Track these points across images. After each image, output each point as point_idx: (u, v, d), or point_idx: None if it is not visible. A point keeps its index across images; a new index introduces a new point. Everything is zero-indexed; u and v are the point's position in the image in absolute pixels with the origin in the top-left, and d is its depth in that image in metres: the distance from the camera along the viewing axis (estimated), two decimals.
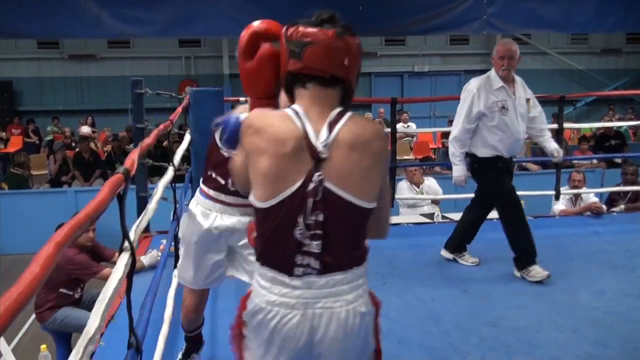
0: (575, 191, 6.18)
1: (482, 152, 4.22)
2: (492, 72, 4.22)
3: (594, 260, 4.60)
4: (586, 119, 15.28)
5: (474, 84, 4.23)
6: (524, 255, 4.21)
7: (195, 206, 2.64)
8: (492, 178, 4.27)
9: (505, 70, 4.14)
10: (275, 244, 1.65)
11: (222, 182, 2.55)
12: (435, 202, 6.48)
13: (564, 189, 6.06)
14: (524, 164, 9.65)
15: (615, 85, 16.55)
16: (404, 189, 6.66)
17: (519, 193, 5.67)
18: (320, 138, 1.62)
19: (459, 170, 4.31)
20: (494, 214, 4.50)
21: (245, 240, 2.55)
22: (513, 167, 4.46)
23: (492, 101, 4.14)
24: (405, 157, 11.20)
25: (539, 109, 4.40)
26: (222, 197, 2.58)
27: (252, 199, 1.67)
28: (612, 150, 10.80)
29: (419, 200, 6.47)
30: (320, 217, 1.61)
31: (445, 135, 12.15)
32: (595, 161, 10.00)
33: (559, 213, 6.09)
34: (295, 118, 1.64)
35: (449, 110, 15.86)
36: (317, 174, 1.60)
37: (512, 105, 4.17)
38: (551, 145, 4.45)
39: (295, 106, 1.67)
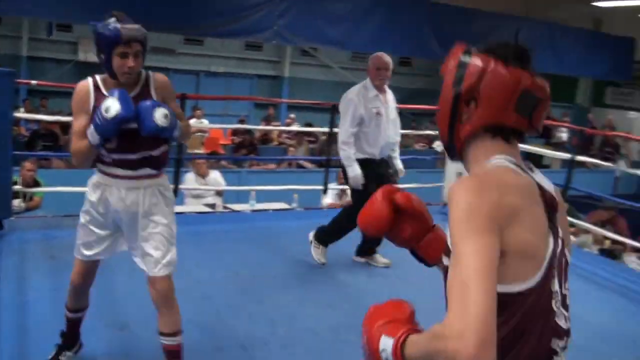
0: (341, 187, 6.59)
1: (363, 153, 4.33)
2: (368, 82, 4.36)
3: (352, 246, 4.84)
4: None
5: (352, 93, 4.35)
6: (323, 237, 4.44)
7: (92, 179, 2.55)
8: (367, 177, 4.31)
9: (381, 80, 4.33)
10: (530, 334, 1.21)
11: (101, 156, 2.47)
12: (218, 193, 6.59)
13: (332, 185, 6.46)
14: (301, 161, 10.05)
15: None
16: (190, 180, 6.69)
17: (291, 187, 5.99)
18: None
19: (354, 170, 4.29)
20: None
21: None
22: (385, 167, 4.51)
23: (369, 108, 4.29)
24: (197, 151, 11.19)
25: (396, 115, 4.61)
26: (108, 169, 2.48)
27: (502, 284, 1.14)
28: None
29: (204, 191, 6.54)
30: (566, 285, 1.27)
31: (235, 132, 12.35)
32: None
33: (327, 206, 6.48)
34: (518, 170, 1.27)
35: (241, 110, 16.17)
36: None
37: (384, 112, 4.36)
38: (398, 163, 4.64)
39: (504, 156, 1.28)
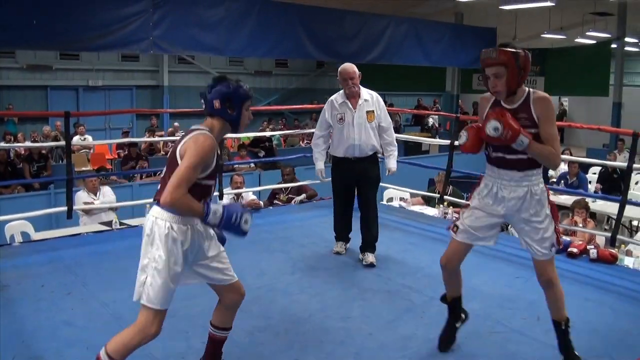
0: (236, 191, 6.53)
1: (333, 152, 4.78)
2: (342, 90, 4.69)
3: (254, 248, 4.89)
4: (245, 130, 16.16)
5: (327, 101, 4.78)
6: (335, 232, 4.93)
7: (170, 228, 2.51)
8: (334, 173, 4.85)
9: (349, 88, 4.60)
10: None
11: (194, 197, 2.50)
12: (112, 209, 6.28)
13: (227, 190, 6.35)
14: None
15: (267, 101, 17.88)
16: (81, 198, 6.33)
17: None
18: None
19: (317, 165, 4.92)
20: None
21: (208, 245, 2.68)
22: (359, 165, 4.68)
23: (334, 114, 4.68)
24: (84, 169, 10.63)
25: (388, 120, 4.77)
26: None
27: None
28: (266, 152, 11.75)
29: (97, 209, 6.22)
30: None
31: (120, 146, 11.85)
32: (252, 165, 10.64)
33: None
34: None
35: (123, 123, 15.59)
36: None
37: (350, 117, 4.62)
38: (389, 163, 4.83)
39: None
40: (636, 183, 10.10)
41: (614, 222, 5.98)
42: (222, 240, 2.78)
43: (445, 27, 13.61)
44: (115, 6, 8.08)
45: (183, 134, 2.63)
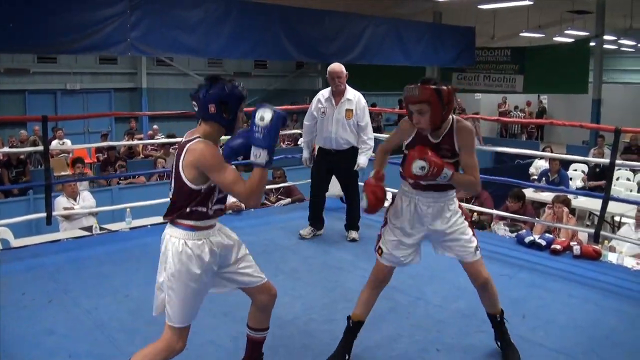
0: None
1: (317, 142, 5.26)
2: (330, 87, 5.12)
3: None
4: None
5: (319, 92, 5.23)
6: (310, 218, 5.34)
7: (184, 244, 2.46)
8: (314, 161, 5.34)
9: (335, 86, 5.06)
10: None
11: (204, 210, 2.49)
12: (92, 214, 6.21)
13: None
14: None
15: (247, 103, 17.81)
16: (61, 203, 6.26)
17: (167, 199, 5.75)
18: None
19: (304, 154, 5.39)
20: None
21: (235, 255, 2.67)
22: (337, 157, 5.17)
23: (318, 107, 5.14)
24: (63, 173, 10.50)
25: (365, 120, 5.12)
26: (208, 222, 2.53)
27: None
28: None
29: (77, 214, 6.15)
30: None
31: (99, 150, 11.75)
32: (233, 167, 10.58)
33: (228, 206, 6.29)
34: None
35: (101, 126, 15.45)
36: None
37: (331, 112, 5.08)
38: (360, 158, 5.15)
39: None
40: (617, 179, 10.22)
41: (596, 218, 6.04)
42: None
43: (425, 27, 13.66)
44: (92, 8, 7.98)
45: (180, 144, 2.52)
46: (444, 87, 2.77)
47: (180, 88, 17.00)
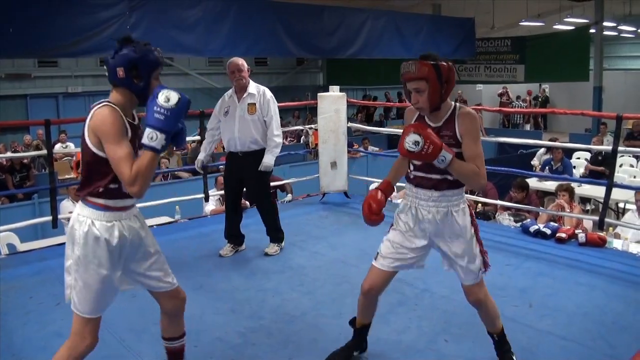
0: (222, 192, 6.45)
1: (225, 146, 4.81)
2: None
3: (246, 247, 4.90)
4: None
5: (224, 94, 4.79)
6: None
7: (91, 224, 2.26)
8: (225, 168, 4.92)
9: (235, 81, 4.61)
10: None
11: (116, 186, 2.28)
12: None
13: (212, 192, 6.30)
14: (176, 172, 9.75)
15: None
16: (67, 207, 6.27)
17: (172, 199, 5.80)
18: None
19: (199, 156, 4.92)
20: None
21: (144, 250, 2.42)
22: (245, 160, 4.66)
23: (222, 107, 4.69)
24: (67, 176, 10.52)
25: (270, 114, 4.62)
26: (121, 202, 2.32)
27: None
28: None
29: None
30: None
31: None
32: None
33: (210, 212, 6.31)
34: None
35: None
36: None
37: (233, 110, 4.61)
38: (265, 157, 4.62)
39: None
40: (620, 165, 10.19)
41: (599, 205, 6.02)
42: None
43: (424, 19, 13.63)
44: (92, 11, 7.98)
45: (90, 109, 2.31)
46: (444, 63, 2.56)
47: (182, 88, 17.03)
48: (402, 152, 2.49)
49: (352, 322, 3.05)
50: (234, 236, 4.83)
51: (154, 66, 2.27)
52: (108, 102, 2.25)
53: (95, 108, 2.23)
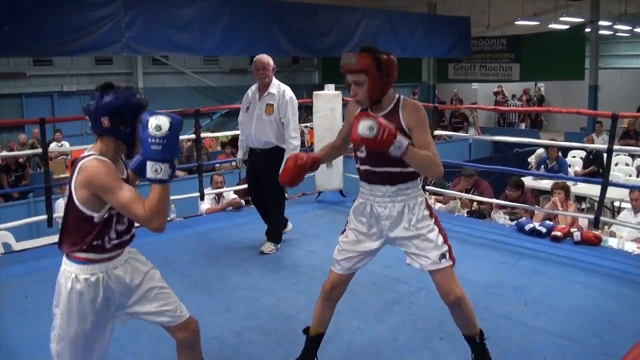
0: (217, 191, 6.49)
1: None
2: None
3: (239, 247, 4.89)
4: (223, 128, 16.10)
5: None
6: None
7: (75, 280, 2.17)
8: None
9: (258, 79, 4.63)
10: None
11: (99, 242, 2.18)
12: None
13: (207, 190, 6.30)
14: None
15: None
16: (62, 206, 6.25)
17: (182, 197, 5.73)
18: None
19: (238, 154, 5.03)
20: None
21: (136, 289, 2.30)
22: (258, 157, 4.75)
23: (245, 102, 4.77)
24: (62, 175, 10.49)
25: (287, 117, 4.62)
26: (106, 254, 2.22)
27: None
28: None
29: None
30: None
31: None
32: (234, 163, 10.55)
33: (205, 211, 6.31)
34: None
35: None
36: None
37: (253, 107, 4.68)
38: (285, 161, 4.57)
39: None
40: (616, 164, 10.22)
41: (595, 203, 6.04)
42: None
43: (419, 18, 13.63)
44: (87, 9, 7.96)
45: (75, 161, 2.20)
46: (384, 55, 2.49)
47: (177, 87, 17.02)
48: (356, 139, 2.33)
49: (306, 330, 2.92)
50: (268, 234, 4.90)
51: (138, 110, 2.16)
52: (93, 154, 2.14)
53: (82, 162, 2.12)
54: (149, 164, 2.04)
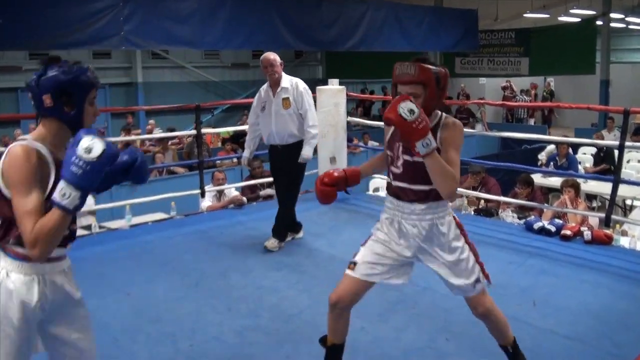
0: (218, 188, 6.50)
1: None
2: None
3: (240, 246, 4.89)
4: (224, 124, 16.09)
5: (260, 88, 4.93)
6: None
7: (6, 276, 1.89)
8: (270, 164, 5.06)
9: (268, 76, 4.72)
10: None
11: None
12: (91, 212, 6.22)
13: (208, 187, 6.31)
14: (171, 167, 9.74)
15: (246, 94, 17.79)
16: None
17: (167, 195, 5.80)
18: None
19: (244, 153, 5.13)
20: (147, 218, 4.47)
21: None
22: (284, 153, 4.83)
23: (259, 102, 4.85)
24: None
25: (305, 107, 4.74)
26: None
27: None
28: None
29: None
30: None
31: None
32: (235, 160, 10.57)
33: (206, 209, 6.32)
34: None
35: (97, 122, 15.40)
36: None
37: (269, 105, 4.77)
38: (304, 149, 4.78)
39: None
40: (628, 161, 10.20)
41: (606, 202, 6.03)
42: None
43: (425, 10, 13.62)
44: (83, 1, 7.99)
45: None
46: (442, 69, 2.44)
47: (177, 81, 17.02)
48: (392, 118, 2.25)
49: (323, 340, 2.83)
50: (290, 225, 4.99)
51: (87, 89, 1.94)
52: (25, 139, 1.91)
53: (11, 145, 1.88)
54: (60, 184, 1.78)
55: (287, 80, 4.77)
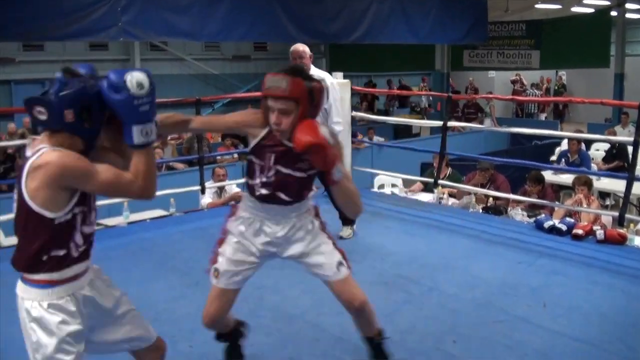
0: (219, 184, 6.50)
1: None
2: None
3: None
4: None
5: None
6: None
7: (39, 307, 1.93)
8: None
9: None
10: None
11: (64, 252, 1.94)
12: None
13: (208, 184, 6.32)
14: (171, 163, 9.75)
15: (247, 88, 17.79)
16: None
17: (166, 192, 5.81)
18: None
19: None
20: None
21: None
22: None
23: None
24: None
25: (329, 102, 4.73)
26: (70, 271, 1.96)
27: None
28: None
29: None
30: None
31: None
32: (236, 155, 10.58)
33: (206, 206, 6.33)
34: None
35: None
36: None
37: None
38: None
39: None
40: None
41: (619, 200, 6.01)
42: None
43: (432, 1, 13.55)
44: None
45: (19, 165, 2.02)
46: (317, 84, 2.36)
47: (177, 74, 17.02)
48: (318, 141, 2.22)
49: (219, 336, 2.96)
50: (343, 218, 4.91)
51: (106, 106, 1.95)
52: (46, 147, 1.91)
53: (34, 160, 1.88)
54: (136, 128, 1.87)
55: (314, 74, 4.75)
